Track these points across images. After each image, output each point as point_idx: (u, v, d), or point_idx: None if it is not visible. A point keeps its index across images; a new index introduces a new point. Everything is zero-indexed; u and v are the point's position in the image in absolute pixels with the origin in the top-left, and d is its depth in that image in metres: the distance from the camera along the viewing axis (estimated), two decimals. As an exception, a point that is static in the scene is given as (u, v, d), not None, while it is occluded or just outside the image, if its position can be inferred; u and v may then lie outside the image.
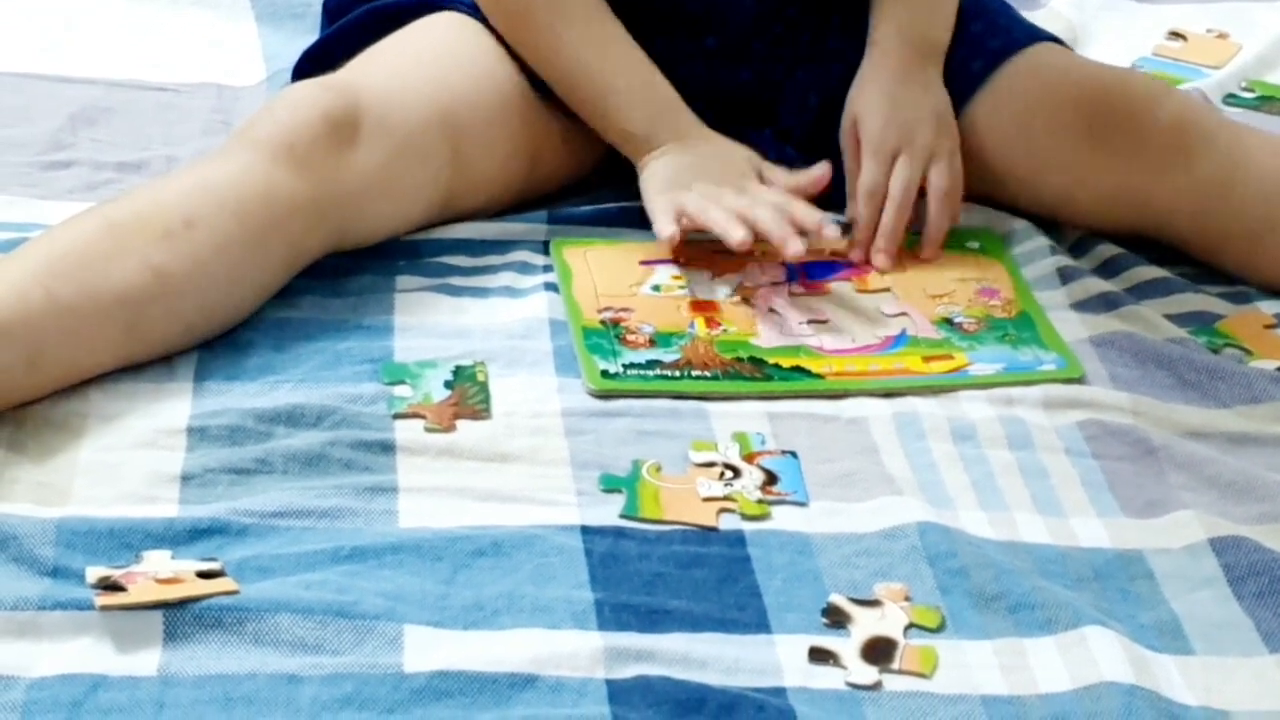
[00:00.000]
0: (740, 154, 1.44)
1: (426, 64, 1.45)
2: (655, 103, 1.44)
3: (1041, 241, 1.49)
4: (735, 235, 1.36)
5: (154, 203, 1.31)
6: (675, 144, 1.43)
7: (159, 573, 1.12)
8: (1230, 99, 1.72)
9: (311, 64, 1.53)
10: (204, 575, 1.12)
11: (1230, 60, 1.75)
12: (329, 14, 1.61)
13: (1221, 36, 1.78)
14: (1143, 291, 1.46)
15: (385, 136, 1.38)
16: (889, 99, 1.46)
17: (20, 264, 1.26)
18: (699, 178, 1.41)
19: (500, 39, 1.48)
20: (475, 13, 1.49)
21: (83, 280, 1.26)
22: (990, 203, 1.52)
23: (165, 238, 1.28)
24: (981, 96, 1.50)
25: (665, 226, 1.39)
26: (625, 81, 1.44)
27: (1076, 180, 1.48)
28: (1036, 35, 1.55)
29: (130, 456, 1.22)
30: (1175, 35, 1.80)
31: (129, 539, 1.15)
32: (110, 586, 1.11)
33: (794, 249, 1.35)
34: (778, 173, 1.44)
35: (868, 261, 1.44)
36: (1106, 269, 1.49)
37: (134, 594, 1.10)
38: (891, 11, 1.49)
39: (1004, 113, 1.50)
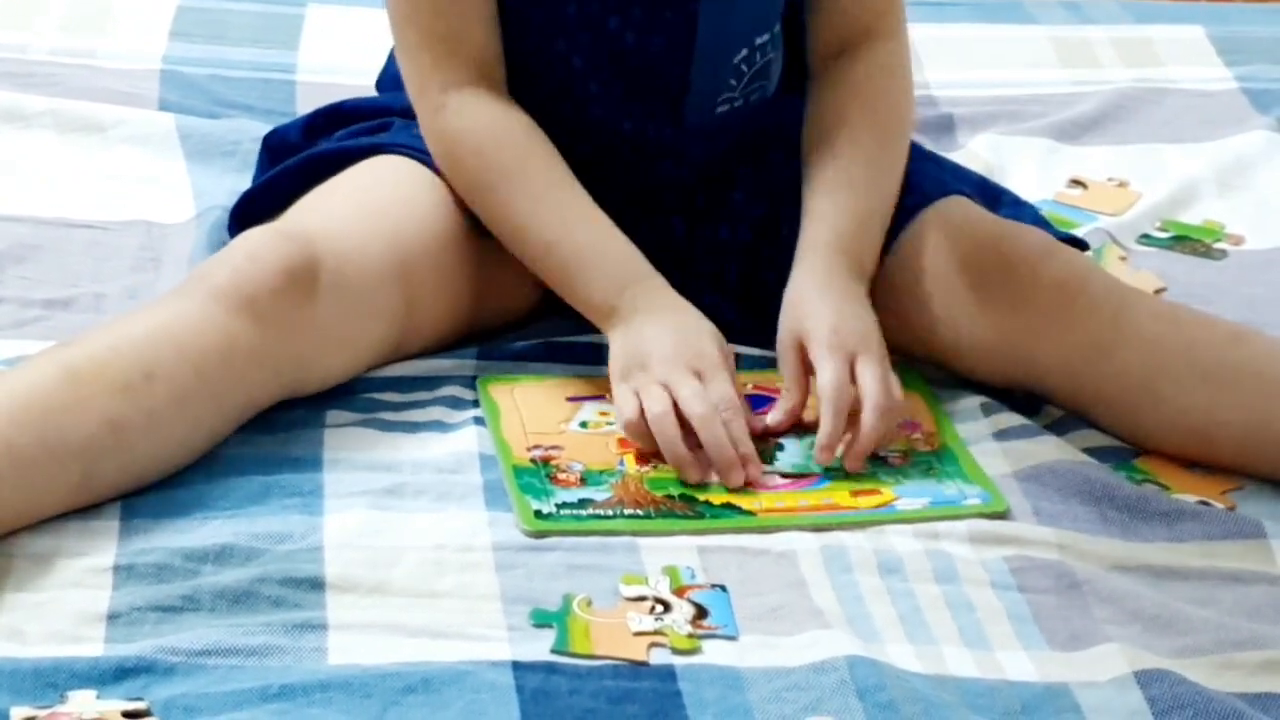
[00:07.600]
0: (706, 330, 1.41)
1: (379, 213, 1.45)
2: (621, 275, 1.43)
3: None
4: (691, 478, 1.35)
5: (113, 351, 1.30)
6: (640, 316, 1.41)
7: (84, 713, 1.11)
8: (1144, 239, 1.75)
9: (252, 204, 1.54)
10: (130, 715, 1.11)
11: (1129, 208, 1.79)
12: (270, 150, 1.62)
13: (1121, 185, 1.82)
14: (1063, 425, 1.48)
15: (342, 291, 1.39)
16: (834, 307, 1.41)
17: None
18: (656, 352, 1.38)
19: (444, 181, 1.48)
20: (419, 155, 1.50)
21: (42, 433, 1.26)
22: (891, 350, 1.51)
23: (124, 390, 1.28)
24: (890, 253, 1.50)
25: (628, 424, 1.37)
26: (591, 254, 1.43)
27: (962, 333, 1.48)
28: (945, 187, 1.54)
29: (57, 595, 1.21)
30: (1076, 183, 1.83)
31: (54, 679, 1.14)
32: (35, 728, 1.10)
33: (734, 481, 1.35)
34: (724, 375, 1.38)
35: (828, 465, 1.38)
36: (1028, 403, 1.51)
37: (59, 735, 1.09)
38: (822, 228, 1.46)
39: (907, 268, 1.50)
